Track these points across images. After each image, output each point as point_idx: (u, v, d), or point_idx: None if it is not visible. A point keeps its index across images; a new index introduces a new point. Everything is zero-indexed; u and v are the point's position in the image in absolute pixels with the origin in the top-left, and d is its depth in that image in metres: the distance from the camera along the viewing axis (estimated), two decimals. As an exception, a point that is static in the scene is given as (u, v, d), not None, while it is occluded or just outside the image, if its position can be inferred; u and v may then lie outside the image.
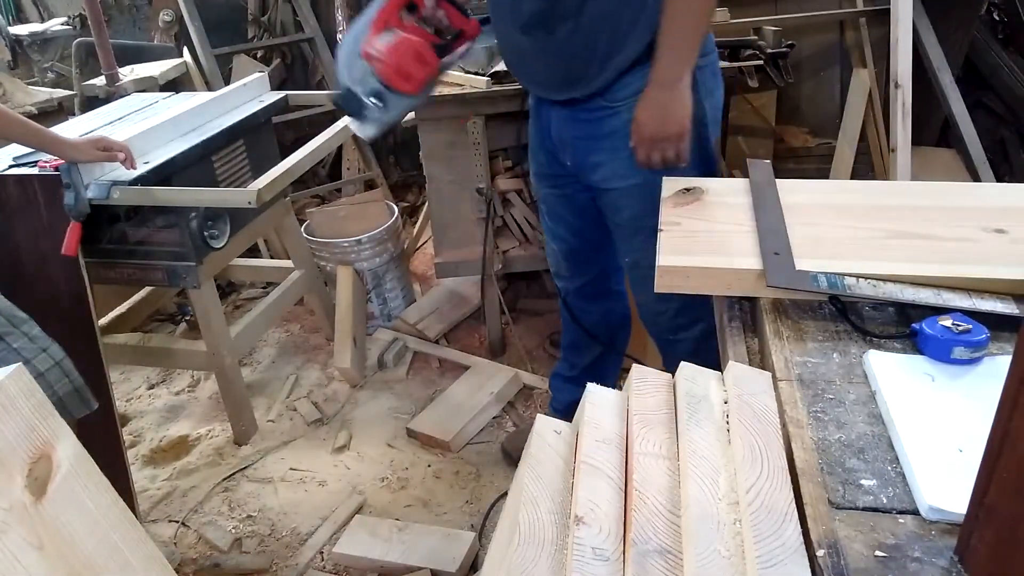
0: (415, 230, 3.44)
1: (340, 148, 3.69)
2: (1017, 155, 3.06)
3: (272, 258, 3.28)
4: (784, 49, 2.74)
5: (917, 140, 2.73)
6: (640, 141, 1.55)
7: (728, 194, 1.30)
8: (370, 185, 3.71)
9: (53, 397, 1.61)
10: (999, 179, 2.95)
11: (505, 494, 2.13)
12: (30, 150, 2.03)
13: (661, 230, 1.18)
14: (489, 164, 2.53)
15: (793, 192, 1.28)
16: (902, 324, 0.99)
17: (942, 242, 1.10)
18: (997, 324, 0.94)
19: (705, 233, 1.17)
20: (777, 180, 1.32)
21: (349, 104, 1.73)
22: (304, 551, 2.03)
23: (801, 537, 0.67)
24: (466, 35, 1.74)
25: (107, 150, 1.91)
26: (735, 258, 1.09)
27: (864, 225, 1.16)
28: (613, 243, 1.86)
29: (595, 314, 2.05)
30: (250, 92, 2.60)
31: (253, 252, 3.22)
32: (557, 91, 1.64)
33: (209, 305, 2.27)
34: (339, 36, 3.74)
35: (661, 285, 1.10)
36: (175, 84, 3.33)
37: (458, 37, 1.74)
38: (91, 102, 3.02)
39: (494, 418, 2.49)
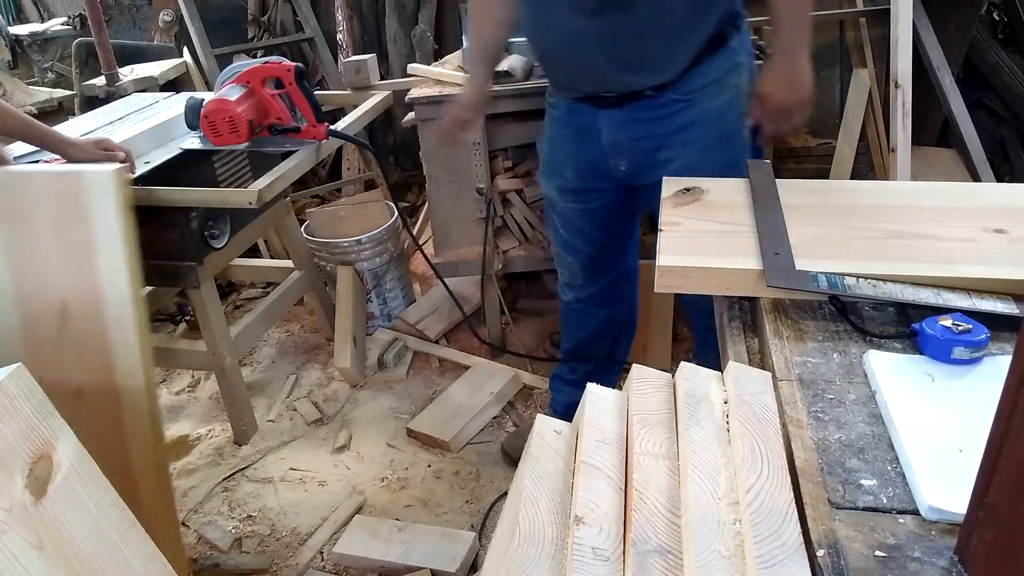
0: (415, 230, 3.43)
1: (340, 148, 3.68)
2: (1017, 155, 3.06)
3: (272, 258, 3.28)
4: (784, 49, 2.74)
5: (917, 140, 2.73)
6: (769, 114, 1.54)
7: (728, 194, 1.30)
8: (370, 185, 3.71)
9: None
10: (999, 179, 2.95)
11: (505, 494, 2.13)
12: (32, 149, 2.04)
13: (661, 230, 1.18)
14: (489, 164, 2.53)
15: (793, 192, 1.28)
16: (902, 324, 0.99)
17: (942, 242, 1.10)
18: (997, 324, 0.94)
19: (705, 233, 1.17)
20: (777, 180, 1.32)
21: (187, 115, 2.13)
22: (304, 551, 2.03)
23: (801, 537, 0.67)
24: (306, 132, 2.06)
25: (108, 151, 1.92)
26: (735, 258, 1.09)
27: (864, 225, 1.16)
28: (629, 247, 1.87)
29: (601, 319, 2.04)
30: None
31: (253, 252, 3.22)
32: (614, 82, 1.56)
33: (209, 305, 2.27)
34: (339, 36, 3.75)
35: (661, 285, 1.10)
36: (175, 84, 3.33)
37: (296, 130, 2.08)
38: (91, 102, 3.02)
39: (494, 418, 2.49)
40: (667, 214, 1.24)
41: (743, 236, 1.15)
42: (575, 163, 1.75)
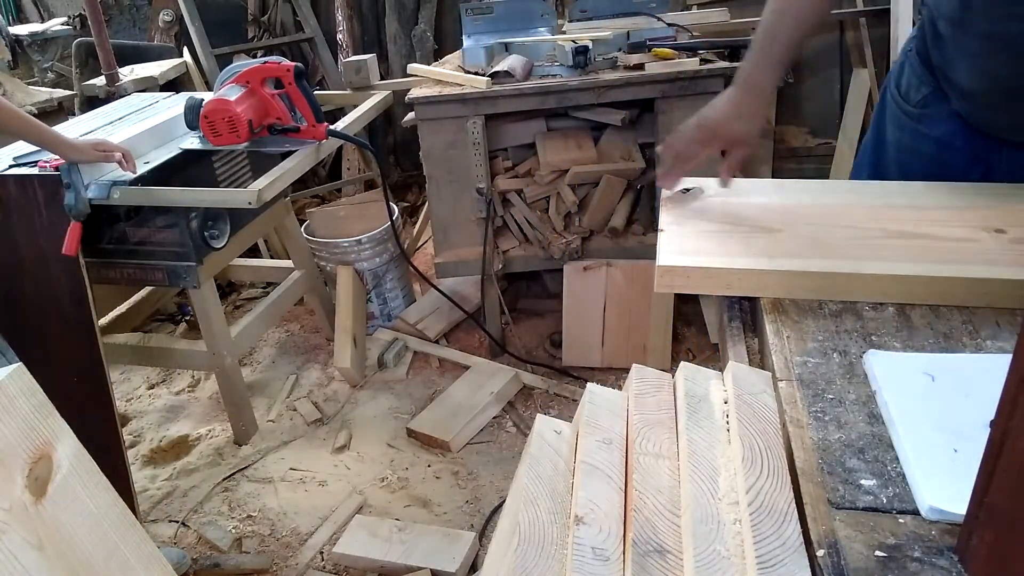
0: (415, 230, 3.44)
1: (340, 148, 3.68)
2: (1017, 155, 3.06)
3: (272, 258, 3.28)
4: (784, 49, 2.73)
5: (917, 140, 2.72)
6: None
7: (729, 194, 1.30)
8: (370, 185, 3.71)
9: None
10: (999, 179, 2.95)
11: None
12: (31, 150, 2.04)
13: (661, 230, 1.18)
14: (489, 164, 2.53)
15: (793, 192, 1.28)
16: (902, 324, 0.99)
17: (942, 242, 1.10)
18: (996, 323, 0.94)
19: (705, 233, 1.17)
20: (778, 180, 1.32)
21: (186, 115, 2.12)
22: (304, 551, 2.03)
23: (801, 537, 0.67)
24: (305, 132, 2.08)
25: (106, 151, 1.93)
26: (735, 258, 1.09)
27: (864, 225, 1.16)
28: None
29: None
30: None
31: (253, 252, 3.22)
32: None
33: (209, 305, 2.27)
34: (339, 36, 3.74)
35: (661, 285, 1.10)
36: (175, 84, 3.33)
37: (296, 130, 2.08)
38: (91, 102, 3.02)
39: (494, 418, 2.49)
40: (667, 214, 1.23)
41: (743, 236, 1.15)
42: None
